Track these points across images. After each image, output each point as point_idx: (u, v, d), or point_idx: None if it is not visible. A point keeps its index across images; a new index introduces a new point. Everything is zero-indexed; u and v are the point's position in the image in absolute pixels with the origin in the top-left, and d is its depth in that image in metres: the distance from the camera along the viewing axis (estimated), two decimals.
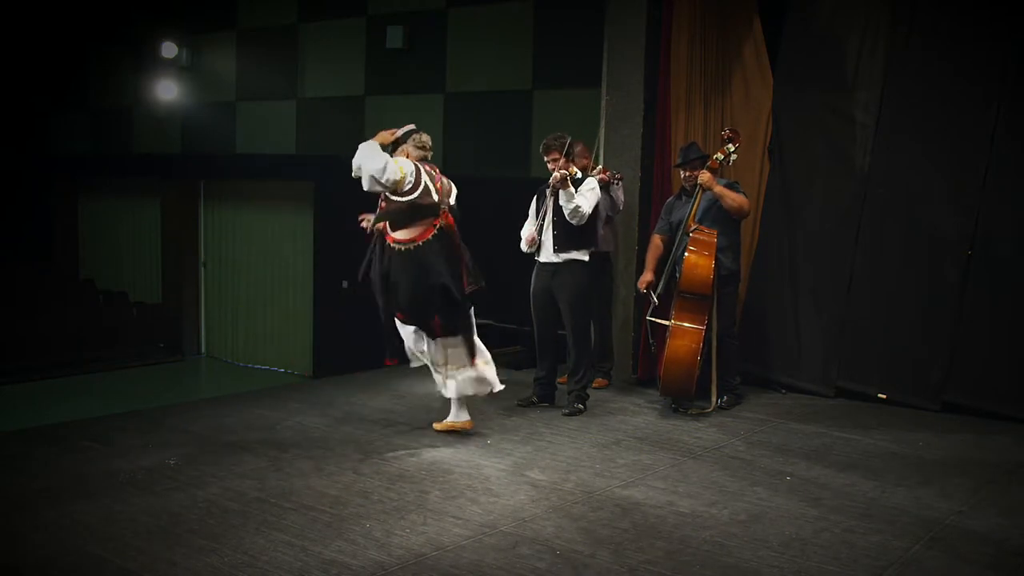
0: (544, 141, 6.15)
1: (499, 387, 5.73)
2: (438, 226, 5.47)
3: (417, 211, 5.41)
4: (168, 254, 13.82)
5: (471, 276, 5.63)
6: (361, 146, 5.34)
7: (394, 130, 5.55)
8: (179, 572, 3.66)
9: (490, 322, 9.82)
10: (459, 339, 5.55)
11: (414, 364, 5.83)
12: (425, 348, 5.63)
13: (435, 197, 5.48)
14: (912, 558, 3.90)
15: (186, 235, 13.71)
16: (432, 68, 10.52)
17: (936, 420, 6.19)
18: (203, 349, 13.86)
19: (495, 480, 4.83)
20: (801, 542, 4.04)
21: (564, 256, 6.14)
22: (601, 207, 6.55)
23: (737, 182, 6.48)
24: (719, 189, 6.22)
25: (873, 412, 6.38)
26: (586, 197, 6.03)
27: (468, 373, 5.60)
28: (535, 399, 6.42)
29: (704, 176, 6.20)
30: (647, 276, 6.44)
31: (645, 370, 7.10)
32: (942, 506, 4.52)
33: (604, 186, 6.53)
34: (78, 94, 14.51)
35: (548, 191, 6.14)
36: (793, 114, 7.03)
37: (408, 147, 5.57)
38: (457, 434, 5.63)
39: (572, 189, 5.95)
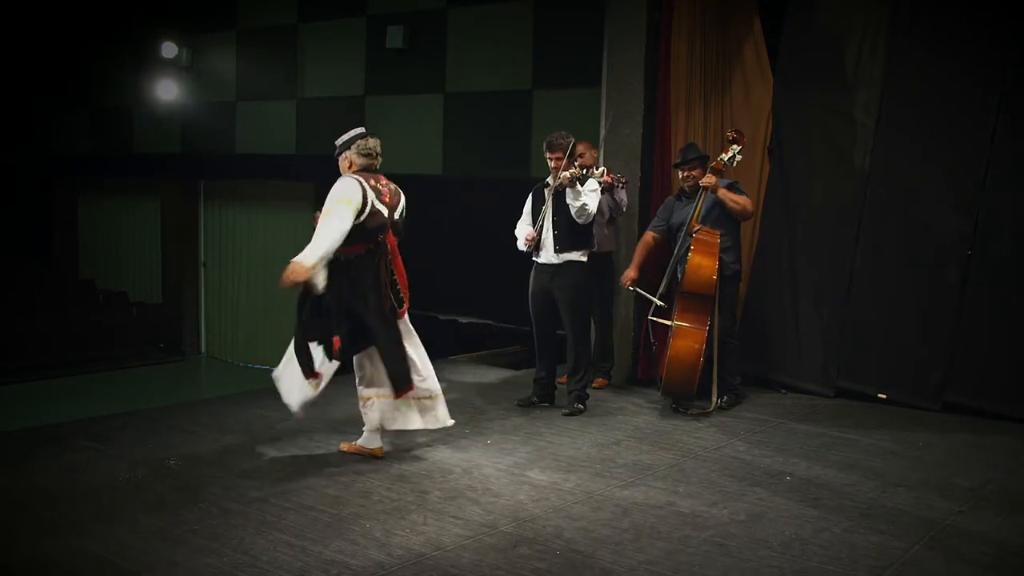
0: (549, 138, 6.12)
1: (448, 422, 5.28)
2: (378, 240, 4.90)
3: (362, 232, 4.78)
4: (168, 254, 13.83)
5: (393, 299, 5.02)
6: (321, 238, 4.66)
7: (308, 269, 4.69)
8: (179, 572, 3.66)
9: (489, 322, 9.84)
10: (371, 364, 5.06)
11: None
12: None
13: (385, 214, 4.85)
14: (912, 558, 3.90)
15: (186, 235, 13.71)
16: (432, 68, 10.51)
17: (936, 420, 6.19)
18: (203, 349, 13.87)
19: (495, 480, 4.83)
20: (801, 542, 4.04)
21: (564, 257, 6.13)
22: (604, 208, 6.58)
23: (737, 182, 6.48)
24: (723, 193, 6.21)
25: (873, 412, 6.38)
26: (590, 197, 6.04)
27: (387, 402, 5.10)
28: (535, 399, 6.42)
29: (708, 179, 6.18)
30: (631, 272, 6.44)
31: (645, 370, 7.10)
32: (942, 506, 4.52)
33: (608, 188, 6.55)
34: (78, 94, 14.50)
35: (548, 191, 6.13)
36: (793, 114, 7.03)
37: (351, 155, 4.88)
38: (456, 434, 5.57)
39: (580, 188, 5.95)
